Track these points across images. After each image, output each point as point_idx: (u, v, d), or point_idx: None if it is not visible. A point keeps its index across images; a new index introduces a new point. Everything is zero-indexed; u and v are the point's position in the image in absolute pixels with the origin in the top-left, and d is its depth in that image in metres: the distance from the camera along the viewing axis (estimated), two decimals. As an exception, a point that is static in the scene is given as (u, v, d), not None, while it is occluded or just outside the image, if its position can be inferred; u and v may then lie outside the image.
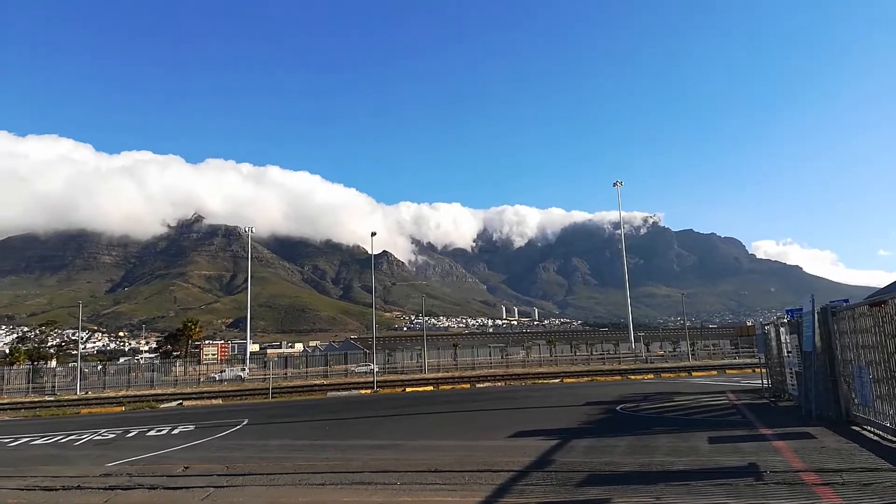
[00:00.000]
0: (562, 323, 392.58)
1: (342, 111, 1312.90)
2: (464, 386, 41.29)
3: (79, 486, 11.11)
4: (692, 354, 70.86)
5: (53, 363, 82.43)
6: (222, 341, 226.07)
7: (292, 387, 48.75)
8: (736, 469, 9.92)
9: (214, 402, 38.74)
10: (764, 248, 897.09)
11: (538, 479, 9.72)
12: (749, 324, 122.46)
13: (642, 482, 9.31)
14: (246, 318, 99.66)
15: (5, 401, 48.82)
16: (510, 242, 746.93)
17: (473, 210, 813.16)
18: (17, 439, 20.53)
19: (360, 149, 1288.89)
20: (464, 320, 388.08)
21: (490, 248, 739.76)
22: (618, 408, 21.15)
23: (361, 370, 71.19)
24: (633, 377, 42.05)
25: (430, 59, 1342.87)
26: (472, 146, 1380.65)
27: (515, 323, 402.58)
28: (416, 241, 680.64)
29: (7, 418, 33.31)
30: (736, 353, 73.43)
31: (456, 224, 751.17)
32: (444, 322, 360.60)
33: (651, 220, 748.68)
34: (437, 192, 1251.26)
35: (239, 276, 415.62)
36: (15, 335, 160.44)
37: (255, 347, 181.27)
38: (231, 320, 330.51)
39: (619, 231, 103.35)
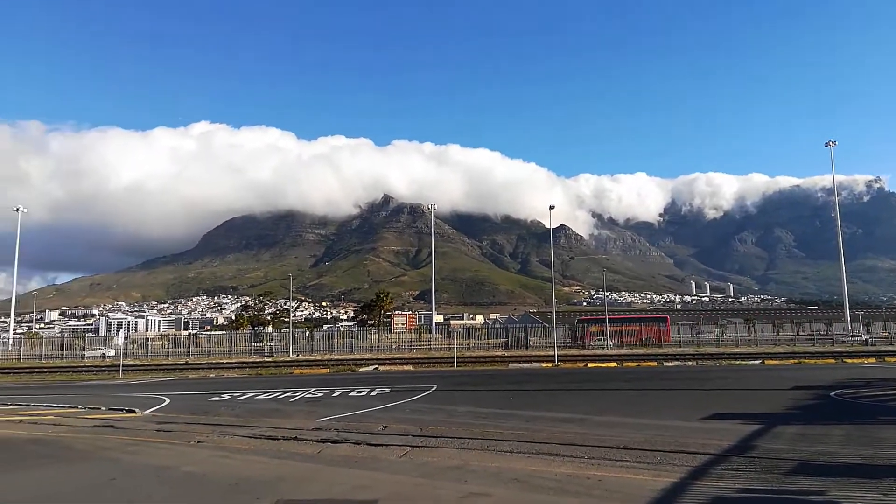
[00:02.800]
0: (762, 300, 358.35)
1: (519, 84, 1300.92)
2: (650, 364, 39.67)
3: (296, 437, 12.55)
4: (926, 338, 60.93)
5: (270, 328, 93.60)
6: (410, 312, 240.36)
7: (475, 357, 50.43)
8: None
9: (405, 368, 41.40)
10: None
11: (739, 465, 9.07)
12: None
13: (864, 475, 8.29)
14: (430, 290, 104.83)
15: (233, 360, 56.66)
16: (701, 213, 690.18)
17: (660, 180, 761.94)
18: (244, 394, 23.70)
19: (539, 122, 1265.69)
20: (648, 296, 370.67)
21: (678, 220, 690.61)
22: (832, 394, 19.01)
23: (93, 354, 62.73)
24: (849, 361, 37.41)
25: (609, 24, 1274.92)
26: (658, 112, 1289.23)
27: (707, 299, 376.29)
28: (596, 215, 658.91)
29: (235, 375, 38.63)
30: None
31: (640, 196, 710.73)
32: (626, 297, 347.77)
33: (875, 185, 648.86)
34: (620, 163, 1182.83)
35: (423, 250, 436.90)
36: (239, 304, 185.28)
37: (440, 318, 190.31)
38: (417, 292, 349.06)
39: (833, 197, 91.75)
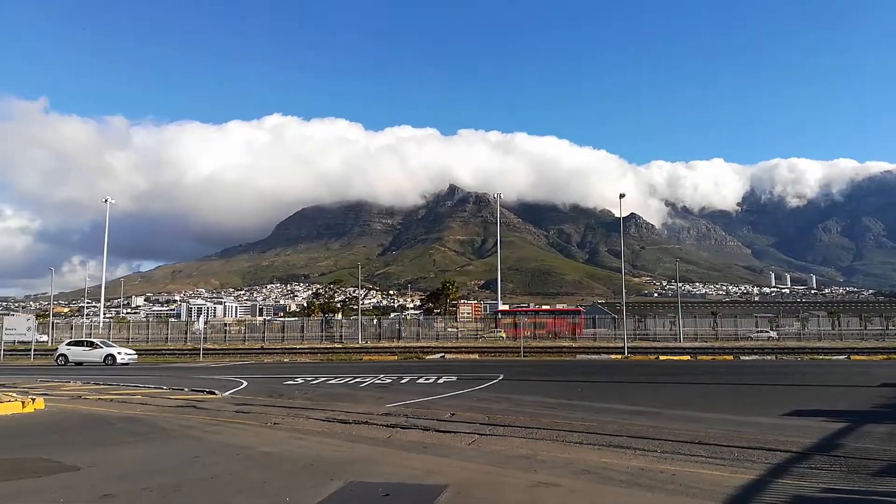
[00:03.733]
0: (847, 292, 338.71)
1: (587, 70, 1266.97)
2: (726, 357, 38.30)
3: (366, 421, 12.86)
4: None
5: (340, 316, 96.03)
6: (475, 301, 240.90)
7: (542, 347, 50.11)
8: None
9: (472, 356, 41.61)
10: None
11: (822, 463, 8.64)
12: None
13: (966, 481, 7.74)
14: (496, 279, 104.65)
15: (305, 345, 58.51)
16: (783, 202, 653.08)
17: (738, 166, 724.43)
18: (316, 378, 24.43)
19: (609, 108, 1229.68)
20: (724, 287, 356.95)
21: (757, 209, 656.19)
22: (926, 393, 17.82)
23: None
24: (947, 359, 34.92)
25: (680, 9, 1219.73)
26: (736, 96, 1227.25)
27: (787, 291, 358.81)
28: (669, 204, 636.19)
29: (308, 360, 39.87)
30: None
31: (716, 184, 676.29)
32: (700, 288, 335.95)
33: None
34: (695, 149, 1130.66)
35: (489, 240, 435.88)
36: (310, 291, 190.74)
37: (505, 308, 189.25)
38: (482, 282, 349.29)
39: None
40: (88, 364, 37.57)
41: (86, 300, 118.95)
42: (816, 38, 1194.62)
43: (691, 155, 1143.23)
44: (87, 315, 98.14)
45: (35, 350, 46.91)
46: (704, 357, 38.62)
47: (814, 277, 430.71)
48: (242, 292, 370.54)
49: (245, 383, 22.59)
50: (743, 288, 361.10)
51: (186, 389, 20.24)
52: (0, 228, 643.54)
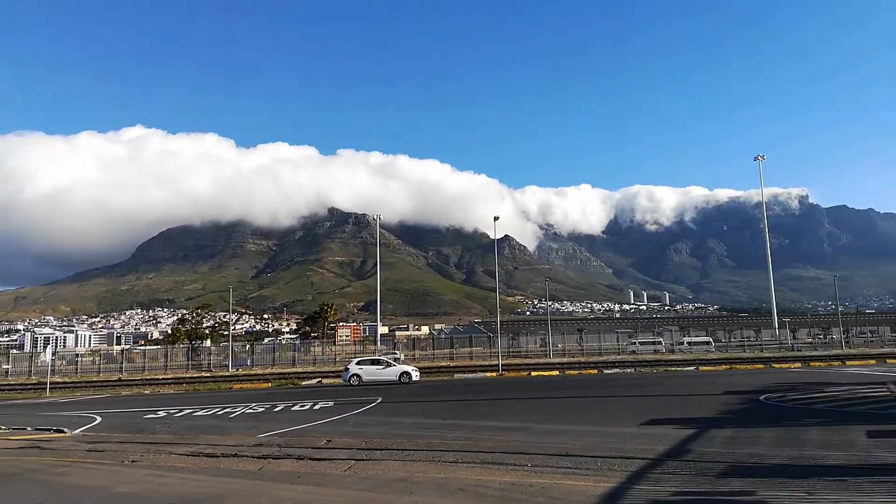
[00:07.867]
0: (695, 308, 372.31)
1: (467, 97, 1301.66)
2: (591, 371, 40.57)
3: (236, 454, 12.24)
4: (846, 342, 64.67)
5: (208, 343, 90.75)
6: (355, 323, 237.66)
7: (420, 368, 50.32)
8: (902, 467, 9.03)
9: (350, 380, 40.86)
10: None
11: (674, 468, 9.41)
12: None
13: (791, 476, 8.73)
14: (376, 301, 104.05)
15: (169, 376, 54.65)
16: (641, 225, 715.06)
17: (604, 192, 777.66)
18: (181, 410, 22.94)
19: (487, 135, 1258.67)
20: (589, 305, 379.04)
21: (618, 231, 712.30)
22: (761, 398, 19.90)
23: None
24: (777, 366, 39.29)
25: (557, 42, 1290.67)
26: (603, 126, 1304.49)
27: (644, 307, 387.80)
28: (541, 227, 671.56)
29: (171, 391, 37.28)
30: (900, 341, 66.09)
31: (583, 212, 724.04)
32: (568, 307, 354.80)
33: (797, 196, 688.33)
34: (567, 174, 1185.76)
35: (368, 261, 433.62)
36: (175, 317, 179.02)
37: (385, 329, 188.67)
38: (362, 303, 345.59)
39: (766, 210, 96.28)
40: (379, 383, 33.82)
41: None
42: (684, 62, 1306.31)
43: (563, 180, 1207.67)
44: None
45: None
46: (572, 371, 40.69)
47: (667, 295, 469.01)
48: (98, 319, 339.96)
49: (99, 419, 20.73)
50: (605, 305, 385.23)
51: (30, 429, 18.24)
52: None
